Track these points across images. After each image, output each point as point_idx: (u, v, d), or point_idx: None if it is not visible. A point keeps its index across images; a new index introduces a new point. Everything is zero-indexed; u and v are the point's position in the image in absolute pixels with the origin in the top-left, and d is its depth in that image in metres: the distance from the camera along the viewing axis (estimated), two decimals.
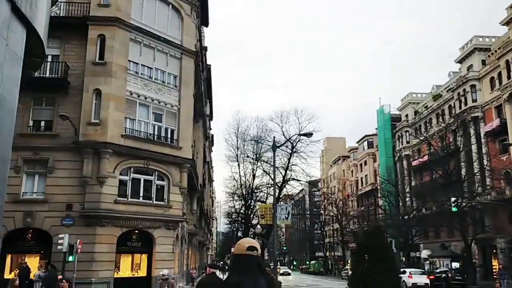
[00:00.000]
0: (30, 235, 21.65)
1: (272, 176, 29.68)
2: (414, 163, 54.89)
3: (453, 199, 31.20)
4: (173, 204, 24.85)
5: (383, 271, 5.73)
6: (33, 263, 21.36)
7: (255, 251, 3.08)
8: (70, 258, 18.76)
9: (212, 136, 66.94)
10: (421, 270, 37.30)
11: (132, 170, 23.54)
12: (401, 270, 29.07)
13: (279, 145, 27.23)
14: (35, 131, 22.58)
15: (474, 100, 45.18)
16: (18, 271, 20.44)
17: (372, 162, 70.46)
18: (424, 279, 31.76)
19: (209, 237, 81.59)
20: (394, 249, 51.36)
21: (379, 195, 56.90)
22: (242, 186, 46.02)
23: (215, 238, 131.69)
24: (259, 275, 3.02)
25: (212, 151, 71.16)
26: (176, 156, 25.05)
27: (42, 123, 22.91)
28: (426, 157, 50.12)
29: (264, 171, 42.70)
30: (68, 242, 18.67)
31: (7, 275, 21.17)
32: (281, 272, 52.87)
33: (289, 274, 61.71)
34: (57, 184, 21.71)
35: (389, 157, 62.27)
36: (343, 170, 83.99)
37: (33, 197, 21.74)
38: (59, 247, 18.80)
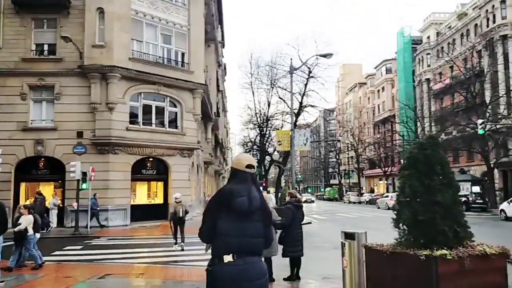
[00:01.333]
0: (42, 163, 21.21)
1: (288, 103, 28.46)
2: (434, 87, 52.70)
3: (480, 121, 29.73)
4: (187, 131, 23.98)
5: (440, 187, 4.51)
6: (48, 191, 21.08)
7: (252, 169, 3.24)
8: (84, 186, 18.29)
9: (225, 65, 64.82)
10: None
11: (142, 95, 22.44)
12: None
13: (296, 67, 25.56)
14: (39, 55, 21.33)
15: (504, 17, 41.97)
16: (33, 199, 20.17)
17: (390, 88, 68.21)
18: None
19: (224, 167, 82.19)
20: None
21: (397, 121, 55.46)
22: (257, 115, 44.88)
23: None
24: (253, 185, 3.19)
25: (225, 80, 69.36)
26: (188, 81, 23.75)
27: (46, 47, 21.59)
28: (448, 81, 47.85)
29: (279, 97, 41.26)
30: (80, 169, 18.08)
31: (22, 203, 20.98)
32: (304, 199, 53.13)
33: (312, 201, 62.16)
34: (65, 111, 20.84)
35: (408, 82, 59.98)
36: (360, 97, 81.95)
37: (42, 125, 20.99)
38: (71, 174, 18.28)
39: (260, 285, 3.03)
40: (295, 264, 7.82)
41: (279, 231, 7.94)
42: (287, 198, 8.11)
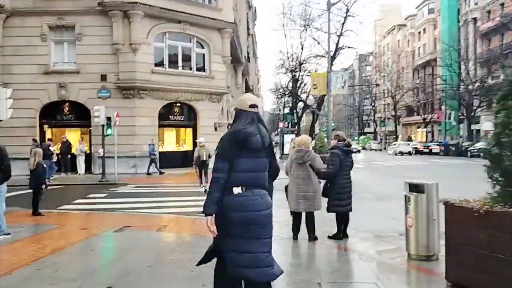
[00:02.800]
0: (67, 108, 20.43)
1: (323, 44, 26.33)
2: (482, 26, 48.54)
3: None
4: (216, 74, 22.53)
5: None
6: (74, 137, 20.45)
7: (255, 108, 3.29)
8: (109, 132, 17.41)
9: (255, 8, 61.71)
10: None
11: (167, 36, 20.95)
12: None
13: (334, 2, 23.25)
14: None
15: None
16: (60, 145, 19.61)
17: (432, 29, 63.62)
18: None
19: None
20: (454, 121, 48.14)
21: (439, 64, 51.95)
22: (289, 59, 42.71)
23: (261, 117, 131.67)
24: (260, 124, 3.28)
25: (255, 24, 66.42)
26: (215, 19, 21.99)
27: None
28: (497, 19, 43.77)
29: (314, 39, 38.81)
30: (105, 114, 17.13)
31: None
32: None
33: (358, 151, 58.71)
34: (88, 52, 19.70)
35: (453, 22, 55.57)
36: (398, 40, 77.29)
37: (65, 67, 20.02)
38: (95, 119, 17.39)
39: (266, 215, 3.21)
40: (342, 220, 6.53)
41: (322, 182, 6.61)
42: (333, 142, 6.66)
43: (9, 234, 7.21)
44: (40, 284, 4.68)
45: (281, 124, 47.68)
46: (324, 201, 6.55)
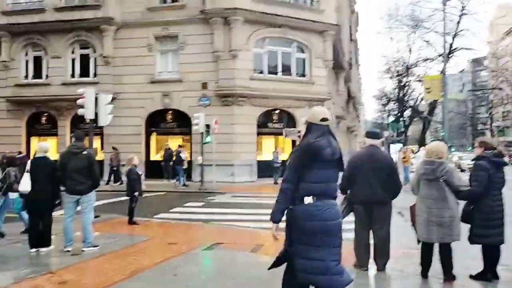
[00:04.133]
0: (170, 116, 20.78)
1: (435, 45, 23.77)
2: None
3: None
4: (316, 80, 21.37)
5: None
6: (176, 145, 20.66)
7: (327, 121, 3.42)
8: (208, 139, 17.15)
9: (357, 13, 59.41)
10: None
11: (267, 41, 20.35)
12: None
13: None
14: (162, 4, 20.46)
15: None
16: (163, 152, 19.94)
17: None
18: None
19: (357, 124, 77.83)
20: None
21: None
22: (396, 63, 40.03)
23: (363, 126, 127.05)
24: (330, 136, 3.41)
25: (357, 30, 64.00)
26: (316, 22, 20.87)
27: None
28: None
29: (424, 41, 35.80)
30: (204, 122, 16.91)
31: (153, 157, 21.00)
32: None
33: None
34: (190, 61, 19.86)
35: None
36: None
37: (168, 76, 20.40)
38: (195, 127, 17.24)
39: (335, 225, 3.29)
40: (491, 254, 4.90)
41: (461, 203, 5.05)
42: (478, 150, 5.03)
43: (97, 246, 6.78)
44: None
45: (386, 133, 44.83)
46: (464, 228, 5.00)
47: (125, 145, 19.48)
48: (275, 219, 3.35)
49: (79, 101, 10.36)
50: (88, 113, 10.11)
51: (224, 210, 11.73)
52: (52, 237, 6.77)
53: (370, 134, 5.66)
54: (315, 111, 3.55)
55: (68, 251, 6.59)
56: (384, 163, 5.36)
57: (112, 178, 18.58)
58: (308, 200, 3.24)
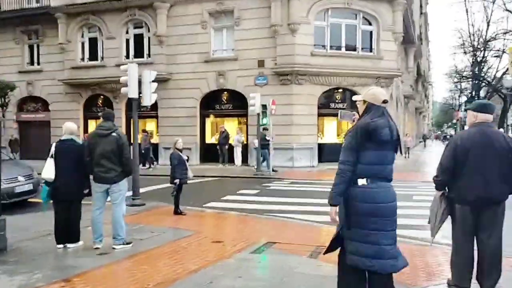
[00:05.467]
0: (225, 97, 19.75)
1: None
2: None
3: None
4: (385, 54, 19.32)
5: None
6: (231, 127, 19.70)
7: (386, 103, 3.31)
8: (264, 121, 15.93)
9: None
10: None
11: (329, 13, 18.59)
12: None
13: None
14: None
15: None
16: (218, 135, 19.06)
17: None
18: None
19: (425, 104, 73.24)
20: None
21: None
22: (471, 37, 36.31)
23: (431, 107, 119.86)
24: (389, 117, 3.27)
25: (427, 3, 59.46)
26: None
27: None
28: None
29: (506, 10, 31.90)
30: (260, 102, 15.70)
31: (208, 140, 20.17)
32: None
33: None
34: (246, 38, 18.63)
35: None
36: None
37: (223, 55, 19.30)
38: (251, 108, 16.09)
39: (390, 207, 3.15)
40: None
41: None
42: None
43: (129, 243, 5.81)
44: None
45: (460, 114, 41.26)
46: None
47: (180, 128, 18.84)
48: (333, 202, 3.21)
49: (122, 79, 9.51)
50: (131, 92, 9.21)
51: (281, 199, 10.50)
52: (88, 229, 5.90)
53: (482, 107, 4.03)
54: (377, 91, 3.37)
55: (97, 248, 5.69)
56: (505, 148, 3.83)
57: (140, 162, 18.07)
58: (362, 181, 3.15)
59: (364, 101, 3.30)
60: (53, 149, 5.75)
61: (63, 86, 21.24)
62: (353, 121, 4.16)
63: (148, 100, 9.31)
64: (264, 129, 16.17)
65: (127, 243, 5.79)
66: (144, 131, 18.76)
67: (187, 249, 5.71)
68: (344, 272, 3.30)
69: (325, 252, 3.43)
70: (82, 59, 21.00)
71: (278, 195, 11.19)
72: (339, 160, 3.23)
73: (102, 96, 21.14)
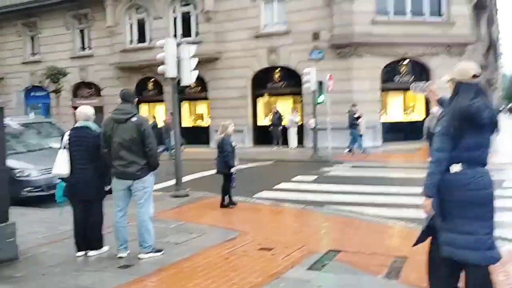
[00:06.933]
0: (277, 75, 18.42)
1: None
2: None
3: None
4: (457, 19, 17.04)
5: None
6: (285, 107, 18.38)
7: (478, 78, 3.03)
8: (321, 99, 14.46)
9: None
10: None
11: None
12: None
13: None
14: None
15: None
16: (271, 116, 17.86)
17: None
18: None
19: (496, 77, 67.45)
20: None
21: None
22: None
23: (500, 79, 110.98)
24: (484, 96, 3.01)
25: None
26: None
27: None
28: None
29: None
30: (315, 78, 14.23)
31: (260, 122, 19.01)
32: None
33: None
34: (298, 9, 17.14)
35: None
36: None
37: (274, 29, 17.91)
38: (305, 85, 14.66)
39: (487, 194, 2.95)
40: None
41: None
42: None
43: (160, 251, 4.78)
44: None
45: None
46: None
47: (231, 110, 17.82)
48: (429, 193, 2.98)
49: (158, 56, 8.50)
50: (169, 70, 8.17)
51: (342, 187, 9.15)
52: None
53: None
54: (464, 66, 3.09)
55: (120, 257, 4.71)
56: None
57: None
58: (456, 168, 2.94)
59: (452, 79, 3.08)
60: (66, 138, 4.80)
61: (114, 70, 20.85)
62: (427, 92, 3.73)
63: (187, 78, 8.22)
64: (352, 105, 14.78)
65: (157, 251, 4.76)
66: (171, 114, 18.00)
67: (228, 259, 4.57)
68: (435, 265, 3.15)
69: (414, 244, 3.23)
70: (131, 41, 20.42)
71: (339, 181, 9.83)
72: (433, 147, 3.01)
73: (152, 79, 20.53)
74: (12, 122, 11.92)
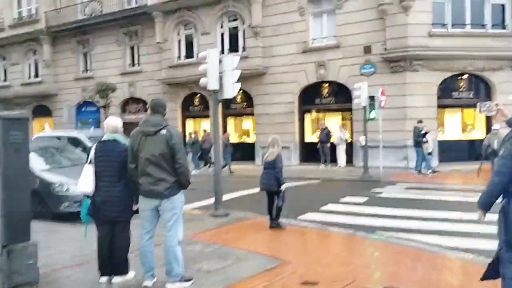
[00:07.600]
0: (326, 90, 17.72)
1: None
2: None
3: None
4: None
5: None
6: (334, 124, 17.60)
7: None
8: (372, 115, 13.63)
9: None
10: None
11: None
12: None
13: None
14: None
15: None
16: (319, 133, 17.15)
17: None
18: None
19: None
20: None
21: None
22: None
23: None
24: None
25: None
26: None
27: None
28: None
29: None
30: (367, 93, 13.46)
31: (307, 138, 18.32)
32: None
33: None
34: (349, 21, 16.44)
35: None
36: None
37: (323, 43, 17.29)
38: (356, 101, 13.93)
39: None
40: None
41: None
42: None
43: (189, 280, 4.26)
44: None
45: None
46: None
47: (277, 126, 17.33)
48: (480, 205, 2.93)
49: (200, 68, 8.12)
50: (210, 83, 7.77)
51: (396, 211, 8.31)
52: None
53: None
54: None
55: (146, 287, 4.23)
56: None
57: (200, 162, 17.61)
58: None
59: None
60: (92, 152, 4.43)
61: (161, 86, 21.00)
62: (495, 112, 3.42)
63: (229, 92, 7.77)
64: (418, 121, 13.93)
65: (186, 279, 4.24)
66: (204, 131, 18.27)
67: None
68: None
69: (482, 278, 2.94)
70: (179, 57, 20.51)
71: (392, 205, 8.97)
72: (494, 170, 2.90)
73: (198, 95, 20.46)
74: (82, 135, 12.12)
